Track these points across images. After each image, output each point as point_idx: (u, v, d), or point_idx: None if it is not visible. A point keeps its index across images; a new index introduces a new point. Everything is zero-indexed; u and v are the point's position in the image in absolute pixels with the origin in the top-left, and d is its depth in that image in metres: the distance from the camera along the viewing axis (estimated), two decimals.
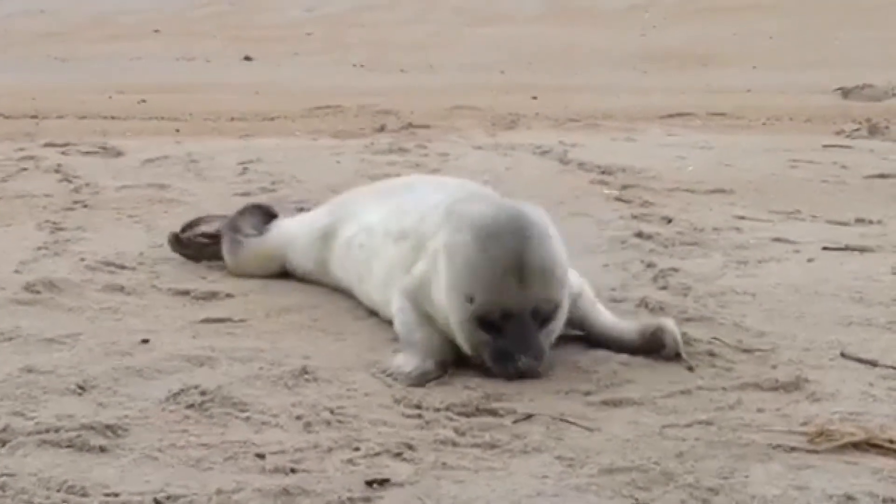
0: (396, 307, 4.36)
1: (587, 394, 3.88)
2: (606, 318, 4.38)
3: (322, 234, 5.13)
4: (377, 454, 3.37)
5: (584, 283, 4.45)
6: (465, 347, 4.09)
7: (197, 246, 5.59)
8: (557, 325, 4.13)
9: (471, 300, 4.02)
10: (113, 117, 11.59)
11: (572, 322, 4.40)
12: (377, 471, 3.27)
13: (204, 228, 5.63)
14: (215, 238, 5.54)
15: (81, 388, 3.85)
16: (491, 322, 4.01)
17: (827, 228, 6.36)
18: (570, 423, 3.62)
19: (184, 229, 5.67)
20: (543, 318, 4.04)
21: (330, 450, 3.40)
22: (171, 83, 14.46)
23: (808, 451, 3.39)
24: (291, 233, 5.35)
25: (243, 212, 5.57)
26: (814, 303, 4.88)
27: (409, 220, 4.55)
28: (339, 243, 5.00)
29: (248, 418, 3.64)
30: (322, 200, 5.95)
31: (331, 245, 5.06)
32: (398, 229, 4.60)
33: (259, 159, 8.61)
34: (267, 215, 5.57)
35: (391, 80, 14.69)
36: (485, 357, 4.04)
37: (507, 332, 4.00)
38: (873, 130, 10.18)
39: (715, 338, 4.34)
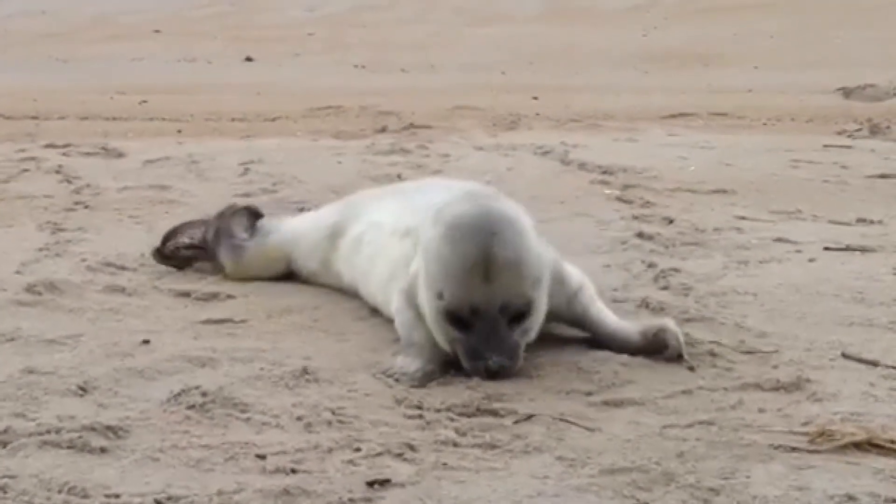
0: (395, 307, 4.37)
1: (588, 394, 3.88)
2: (607, 317, 4.37)
3: (330, 232, 5.13)
4: (378, 455, 3.38)
5: (584, 279, 4.44)
6: (442, 344, 4.10)
7: (181, 258, 5.53)
8: (534, 323, 4.09)
9: (440, 296, 4.03)
10: (114, 118, 11.59)
11: (571, 319, 4.39)
12: (378, 471, 3.27)
13: (186, 239, 5.55)
14: (198, 248, 5.49)
15: (82, 389, 3.86)
16: (461, 318, 4.01)
17: (828, 228, 6.36)
18: (571, 423, 3.62)
19: (165, 240, 5.57)
20: (514, 315, 4.02)
21: (331, 450, 3.41)
22: (172, 84, 14.46)
23: (810, 452, 3.39)
24: (298, 232, 5.35)
25: (231, 215, 5.52)
26: (815, 303, 4.88)
27: (415, 219, 4.55)
28: (347, 241, 5.01)
29: (248, 419, 3.64)
30: (323, 201, 5.96)
31: (338, 243, 5.07)
32: (404, 227, 4.61)
33: (260, 160, 8.61)
34: (252, 216, 5.55)
35: (392, 81, 14.69)
36: (458, 354, 4.04)
37: (477, 329, 3.99)
38: (875, 130, 10.17)
39: (714, 341, 4.33)
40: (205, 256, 5.47)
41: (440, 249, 4.03)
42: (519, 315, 4.03)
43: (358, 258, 4.90)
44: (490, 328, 3.99)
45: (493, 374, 3.95)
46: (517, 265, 3.99)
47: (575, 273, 4.42)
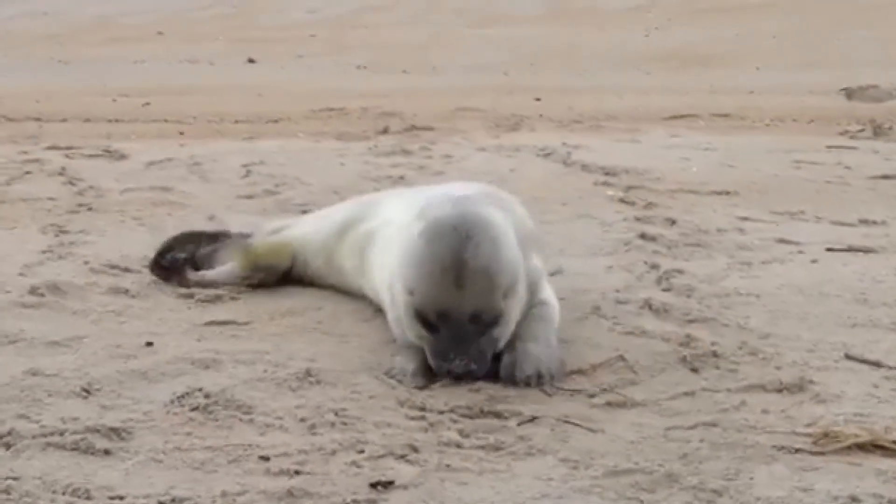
0: (386, 303, 4.39)
1: (591, 396, 3.89)
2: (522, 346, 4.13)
3: (340, 229, 5.12)
4: (381, 456, 3.38)
5: (553, 301, 4.38)
6: (411, 338, 4.11)
7: (178, 270, 5.45)
8: (504, 331, 4.06)
9: (411, 293, 4.04)
10: (116, 120, 11.57)
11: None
12: (381, 473, 3.27)
13: (182, 254, 5.46)
14: (192, 261, 5.45)
15: (86, 390, 3.86)
16: (428, 319, 4.01)
17: (831, 229, 6.36)
18: (575, 424, 3.62)
19: (161, 253, 5.44)
20: (483, 324, 4.00)
21: (334, 452, 3.41)
22: (174, 85, 14.43)
23: (813, 453, 3.40)
24: (307, 227, 5.35)
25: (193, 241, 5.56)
26: (818, 304, 4.88)
27: None
28: (355, 236, 5.00)
29: (252, 421, 3.64)
30: (326, 203, 5.96)
31: (345, 238, 5.06)
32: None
33: (262, 161, 8.60)
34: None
35: (394, 82, 14.67)
36: (426, 351, 4.05)
37: (444, 332, 4.00)
38: (877, 131, 10.14)
39: (717, 342, 4.33)
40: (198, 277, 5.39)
41: (416, 247, 4.05)
42: (487, 324, 4.01)
43: (367, 252, 4.89)
44: (457, 334, 3.98)
45: (458, 377, 3.95)
46: (489, 275, 3.97)
47: (548, 292, 4.40)
